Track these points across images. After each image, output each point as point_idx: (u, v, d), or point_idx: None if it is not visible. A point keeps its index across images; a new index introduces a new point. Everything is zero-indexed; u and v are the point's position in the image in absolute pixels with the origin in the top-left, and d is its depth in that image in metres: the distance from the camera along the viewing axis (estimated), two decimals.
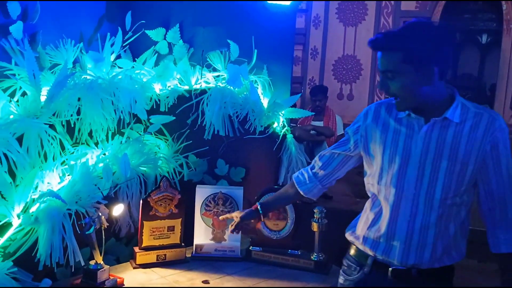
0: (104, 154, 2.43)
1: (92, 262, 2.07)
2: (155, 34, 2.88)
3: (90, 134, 2.38)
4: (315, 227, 2.38)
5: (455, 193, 1.56)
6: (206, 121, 2.68)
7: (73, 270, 2.09)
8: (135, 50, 2.85)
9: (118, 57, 2.67)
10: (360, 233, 1.75)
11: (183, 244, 2.45)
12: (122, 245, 2.49)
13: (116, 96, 2.43)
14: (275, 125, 2.80)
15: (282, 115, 2.84)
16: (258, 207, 2.08)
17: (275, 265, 2.42)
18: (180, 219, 2.44)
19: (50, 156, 2.15)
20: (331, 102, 6.08)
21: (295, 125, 3.81)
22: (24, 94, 2.18)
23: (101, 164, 2.34)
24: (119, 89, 2.45)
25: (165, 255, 2.38)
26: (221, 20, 2.92)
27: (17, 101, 2.16)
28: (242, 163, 2.78)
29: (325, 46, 7.79)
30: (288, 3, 2.94)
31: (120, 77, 2.52)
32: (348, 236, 1.82)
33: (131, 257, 2.40)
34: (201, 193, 2.50)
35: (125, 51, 2.77)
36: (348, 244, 1.83)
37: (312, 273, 2.32)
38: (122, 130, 2.54)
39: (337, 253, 2.01)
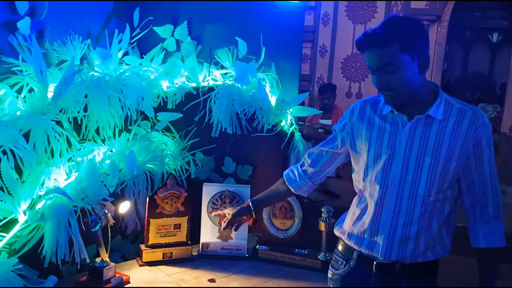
0: (111, 151, 2.42)
1: (98, 260, 2.07)
2: (163, 31, 2.87)
3: (97, 131, 2.38)
4: (322, 226, 2.36)
5: (438, 190, 1.58)
6: (213, 118, 2.67)
7: (78, 267, 2.09)
8: (143, 47, 2.84)
9: (126, 54, 2.67)
10: (347, 228, 1.77)
11: (189, 242, 2.44)
12: (128, 242, 2.49)
13: (123, 93, 2.43)
14: (283, 123, 2.78)
15: (290, 113, 2.82)
16: (250, 204, 2.07)
17: (282, 264, 2.40)
18: (187, 217, 2.43)
19: (56, 152, 2.15)
20: (339, 100, 6.06)
21: (303, 123, 3.79)
22: (31, 90, 2.18)
23: (107, 161, 2.33)
24: (126, 86, 2.45)
25: (171, 253, 2.37)
26: (229, 17, 2.90)
27: (24, 97, 2.16)
28: (250, 161, 2.77)
29: (334, 44, 7.77)
30: (297, 0, 2.92)
31: (127, 74, 2.52)
32: (336, 231, 1.85)
33: (137, 254, 2.40)
34: (208, 191, 2.49)
35: (132, 48, 2.76)
36: (337, 239, 1.84)
37: (319, 272, 2.30)
38: (129, 127, 2.54)
39: None
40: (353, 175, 1.78)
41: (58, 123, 2.19)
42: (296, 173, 1.93)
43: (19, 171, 1.97)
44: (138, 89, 2.49)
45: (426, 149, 1.56)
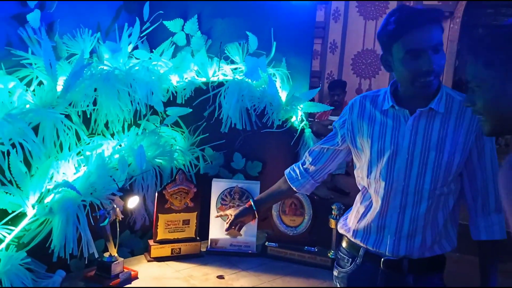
0: (120, 146, 2.41)
1: (106, 255, 2.06)
2: (173, 25, 2.85)
3: (106, 125, 2.36)
4: (332, 224, 2.34)
5: (443, 183, 1.56)
6: (223, 114, 2.65)
7: (87, 262, 2.08)
8: (153, 41, 2.82)
9: (136, 48, 2.65)
10: (351, 225, 1.75)
11: (198, 238, 2.43)
12: (136, 237, 2.48)
13: (133, 87, 2.41)
14: (293, 119, 2.76)
15: (300, 109, 2.79)
16: (252, 204, 2.07)
17: (291, 261, 2.38)
18: (196, 212, 2.41)
19: (65, 146, 2.14)
20: (349, 97, 5.98)
21: (312, 119, 3.76)
22: (40, 83, 2.17)
23: (116, 156, 2.32)
24: (135, 80, 2.43)
25: (179, 248, 2.36)
26: (240, 11, 2.87)
27: (33, 90, 2.15)
28: (259, 157, 2.74)
29: (344, 40, 7.71)
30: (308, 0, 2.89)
31: (137, 68, 2.50)
32: (340, 229, 1.82)
33: (146, 250, 2.39)
34: (217, 187, 2.48)
35: (142, 42, 2.75)
36: (341, 237, 1.82)
37: (329, 270, 2.27)
38: (138, 122, 2.52)
39: None
40: (355, 172, 1.75)
41: (67, 116, 2.17)
42: (297, 171, 1.92)
43: (28, 164, 1.96)
44: (148, 83, 2.47)
45: (430, 143, 1.54)
